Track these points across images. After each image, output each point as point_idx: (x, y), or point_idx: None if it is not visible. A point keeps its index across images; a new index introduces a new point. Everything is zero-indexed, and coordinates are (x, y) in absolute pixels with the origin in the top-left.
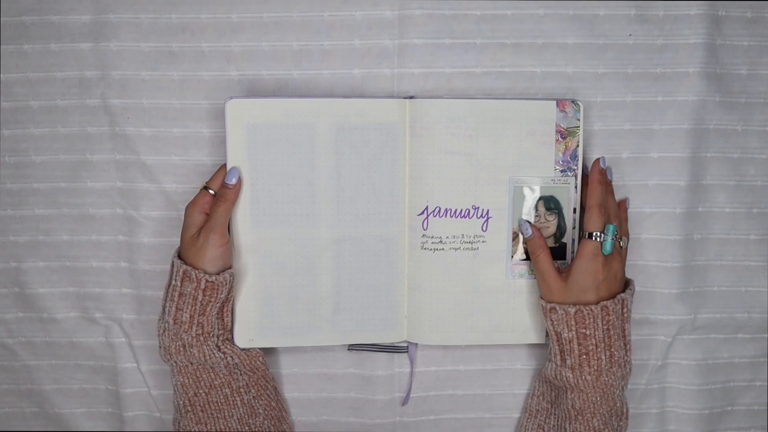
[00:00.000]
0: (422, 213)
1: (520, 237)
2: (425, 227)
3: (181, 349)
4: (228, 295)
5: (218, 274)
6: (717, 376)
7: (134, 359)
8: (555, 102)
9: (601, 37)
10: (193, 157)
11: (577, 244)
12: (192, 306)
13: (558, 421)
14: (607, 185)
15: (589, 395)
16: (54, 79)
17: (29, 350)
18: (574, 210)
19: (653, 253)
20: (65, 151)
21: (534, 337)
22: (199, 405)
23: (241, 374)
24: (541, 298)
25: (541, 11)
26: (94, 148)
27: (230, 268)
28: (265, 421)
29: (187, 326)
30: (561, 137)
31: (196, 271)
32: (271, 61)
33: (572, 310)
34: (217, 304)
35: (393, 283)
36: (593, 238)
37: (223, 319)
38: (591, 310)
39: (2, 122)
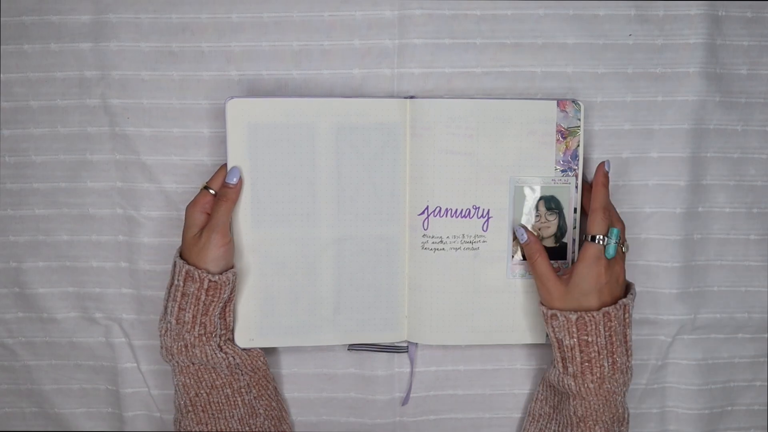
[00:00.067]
0: (423, 213)
1: None
2: (426, 227)
3: (183, 349)
4: (230, 294)
5: (221, 273)
6: (717, 376)
7: (134, 359)
8: (556, 102)
9: (601, 37)
10: (193, 157)
11: (577, 244)
12: (195, 306)
13: (559, 426)
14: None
15: (592, 403)
16: (54, 79)
17: (29, 350)
18: (575, 210)
19: (653, 253)
20: (65, 151)
21: (534, 337)
22: (200, 405)
23: (242, 374)
24: (542, 304)
25: (541, 11)
26: (94, 148)
27: (232, 267)
28: (266, 422)
29: (189, 326)
30: (562, 137)
31: (199, 271)
32: (271, 61)
33: (573, 316)
34: (220, 304)
35: (393, 282)
36: (596, 242)
37: (225, 319)
38: (593, 316)
39: (2, 122)
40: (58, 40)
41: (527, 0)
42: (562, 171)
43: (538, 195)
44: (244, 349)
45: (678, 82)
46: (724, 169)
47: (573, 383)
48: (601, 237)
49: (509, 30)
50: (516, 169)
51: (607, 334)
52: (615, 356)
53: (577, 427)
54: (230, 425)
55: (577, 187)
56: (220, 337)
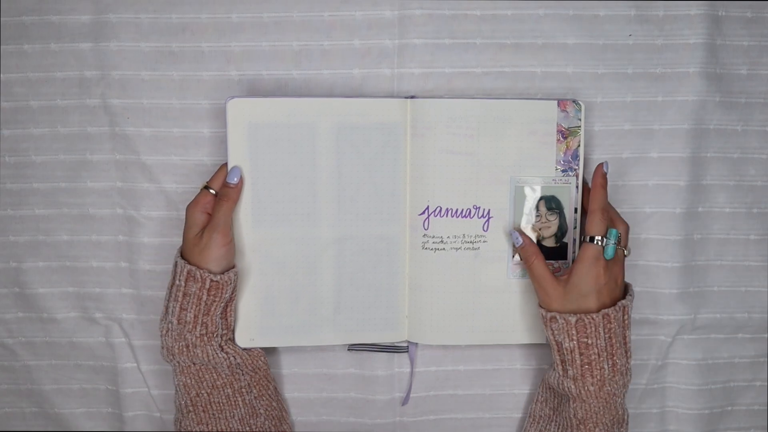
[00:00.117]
0: (423, 213)
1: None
2: (426, 227)
3: (185, 349)
4: (232, 294)
5: (223, 273)
6: (717, 376)
7: (134, 359)
8: (556, 102)
9: (601, 38)
10: (193, 157)
11: (578, 245)
12: (196, 306)
13: (559, 428)
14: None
15: (592, 405)
16: (54, 79)
17: (29, 350)
18: (576, 210)
19: (653, 253)
20: (65, 151)
21: (534, 337)
22: (201, 405)
23: (243, 374)
24: (540, 306)
25: (541, 11)
26: (94, 148)
27: (234, 267)
28: (266, 422)
29: (191, 326)
30: (562, 137)
31: (201, 271)
32: (271, 61)
33: (573, 319)
34: (222, 304)
35: (394, 282)
36: (595, 242)
37: (226, 319)
38: (592, 318)
39: (2, 122)
40: (58, 40)
41: (527, 0)
42: (563, 171)
43: (538, 195)
44: (244, 349)
45: (678, 82)
46: (724, 169)
47: (573, 386)
48: (600, 238)
49: (509, 30)
50: (516, 169)
51: (606, 336)
52: (615, 358)
53: (577, 430)
54: (231, 425)
55: (577, 187)
56: (221, 337)
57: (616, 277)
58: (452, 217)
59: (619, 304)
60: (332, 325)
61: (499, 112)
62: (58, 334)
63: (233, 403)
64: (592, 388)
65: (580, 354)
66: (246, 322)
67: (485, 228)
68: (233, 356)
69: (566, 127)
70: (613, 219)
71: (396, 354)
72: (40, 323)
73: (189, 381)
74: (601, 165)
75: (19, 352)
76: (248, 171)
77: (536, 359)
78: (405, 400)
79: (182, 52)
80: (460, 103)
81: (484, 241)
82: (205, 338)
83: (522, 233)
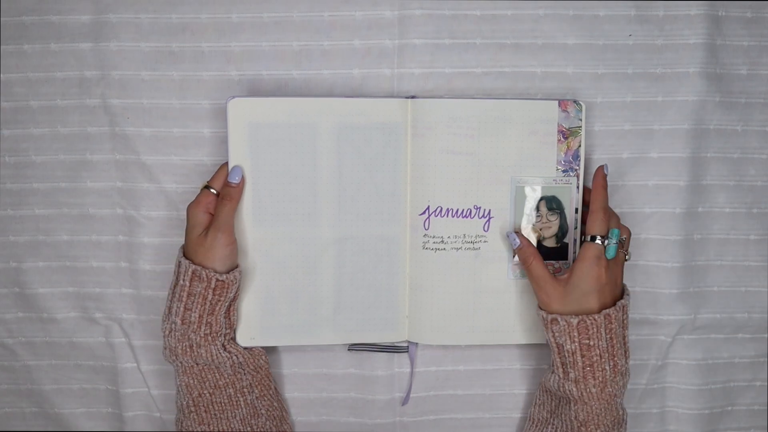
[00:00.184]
0: (424, 213)
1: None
2: (427, 227)
3: (188, 349)
4: (236, 293)
5: (228, 272)
6: (717, 376)
7: (134, 359)
8: (557, 102)
9: (601, 38)
10: (193, 157)
11: (579, 245)
12: (201, 306)
13: (558, 431)
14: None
15: (594, 407)
16: (54, 79)
17: (29, 350)
18: (576, 210)
19: (653, 253)
20: (65, 151)
21: (534, 338)
22: (203, 405)
23: (245, 374)
24: (540, 308)
25: (541, 11)
26: (94, 148)
27: (238, 266)
28: (267, 422)
29: (196, 326)
30: (563, 137)
31: (207, 271)
32: (271, 61)
33: (575, 320)
34: (226, 303)
35: (394, 282)
36: (596, 242)
37: (229, 319)
38: (594, 319)
39: (2, 122)
40: (58, 40)
41: (527, 0)
42: (564, 171)
43: (539, 195)
44: (246, 348)
45: (678, 82)
46: (724, 169)
47: (575, 388)
48: (601, 237)
49: (509, 30)
50: (517, 169)
51: (608, 336)
52: (616, 359)
53: None
54: (232, 425)
55: (578, 187)
56: (224, 337)
57: (616, 278)
58: (453, 217)
59: (619, 303)
60: (332, 325)
61: (500, 112)
62: (58, 334)
63: (235, 403)
64: (594, 390)
65: (582, 356)
66: (247, 321)
67: (486, 228)
68: (236, 355)
69: (567, 127)
70: (616, 224)
71: (396, 354)
72: (40, 323)
73: (191, 381)
74: (601, 167)
75: (19, 352)
76: (249, 171)
77: (536, 359)
78: (405, 400)
79: (182, 52)
80: (461, 103)
81: (485, 242)
82: (210, 338)
83: (519, 234)
